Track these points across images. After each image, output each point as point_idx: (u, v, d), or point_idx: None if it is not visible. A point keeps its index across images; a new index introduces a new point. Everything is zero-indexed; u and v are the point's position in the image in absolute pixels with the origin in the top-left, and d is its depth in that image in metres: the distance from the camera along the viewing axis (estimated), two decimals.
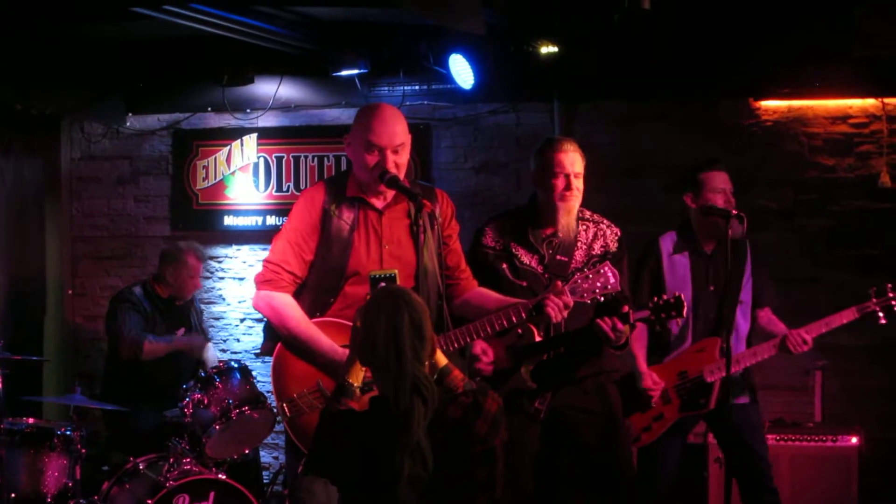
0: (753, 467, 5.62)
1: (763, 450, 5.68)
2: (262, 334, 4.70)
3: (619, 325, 4.71)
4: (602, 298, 4.59)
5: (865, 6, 6.76)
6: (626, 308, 4.72)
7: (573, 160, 4.92)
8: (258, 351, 7.63)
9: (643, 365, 5.58)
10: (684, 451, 5.83)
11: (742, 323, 5.70)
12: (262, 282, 4.46)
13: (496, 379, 4.83)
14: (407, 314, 3.60)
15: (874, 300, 5.56)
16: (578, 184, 4.93)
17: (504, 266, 4.93)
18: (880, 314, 5.57)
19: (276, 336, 4.46)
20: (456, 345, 4.47)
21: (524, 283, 4.89)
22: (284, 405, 4.37)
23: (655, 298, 4.89)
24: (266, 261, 4.49)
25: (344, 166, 7.73)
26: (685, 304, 4.83)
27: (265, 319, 4.56)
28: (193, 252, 7.08)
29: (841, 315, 5.62)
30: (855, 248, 7.18)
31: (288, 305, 4.41)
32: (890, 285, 5.58)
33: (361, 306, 3.78)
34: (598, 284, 4.54)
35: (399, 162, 4.39)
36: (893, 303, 5.52)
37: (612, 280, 4.54)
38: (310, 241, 4.45)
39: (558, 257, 4.93)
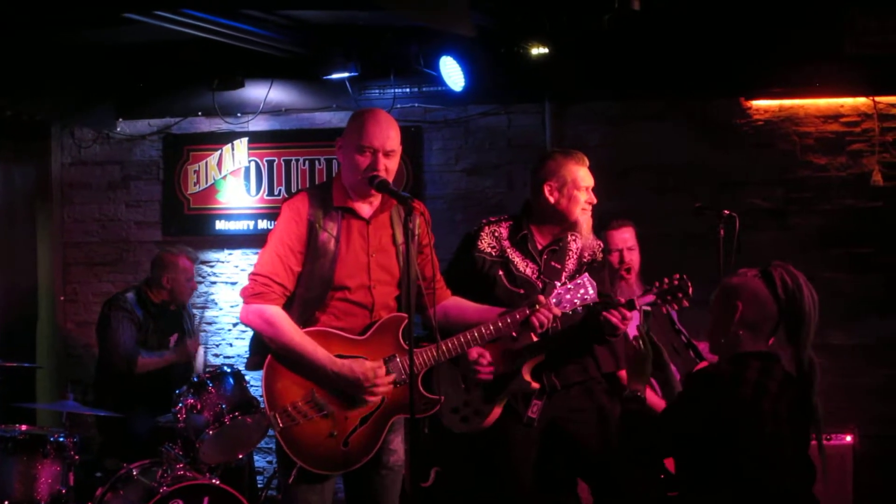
0: None
1: None
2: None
3: (628, 314, 4.74)
4: (581, 309, 4.63)
5: (857, 5, 6.77)
6: (622, 300, 4.78)
7: (589, 174, 4.96)
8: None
9: None
10: None
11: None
12: (252, 295, 4.34)
13: (496, 384, 4.81)
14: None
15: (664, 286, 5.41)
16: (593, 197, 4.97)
17: (501, 273, 4.91)
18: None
19: (265, 350, 4.36)
20: (448, 356, 4.45)
21: (521, 291, 4.85)
22: (276, 415, 4.28)
23: (658, 283, 4.85)
24: (253, 274, 4.37)
25: (335, 170, 7.70)
26: (689, 283, 4.80)
27: (253, 333, 4.47)
28: (185, 254, 7.06)
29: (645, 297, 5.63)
30: (847, 247, 7.18)
31: (281, 317, 4.30)
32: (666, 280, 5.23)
33: (746, 279, 3.80)
34: (579, 295, 4.59)
35: (389, 167, 4.33)
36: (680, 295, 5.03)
37: (591, 291, 4.60)
38: (297, 252, 4.35)
39: (553, 263, 4.92)
